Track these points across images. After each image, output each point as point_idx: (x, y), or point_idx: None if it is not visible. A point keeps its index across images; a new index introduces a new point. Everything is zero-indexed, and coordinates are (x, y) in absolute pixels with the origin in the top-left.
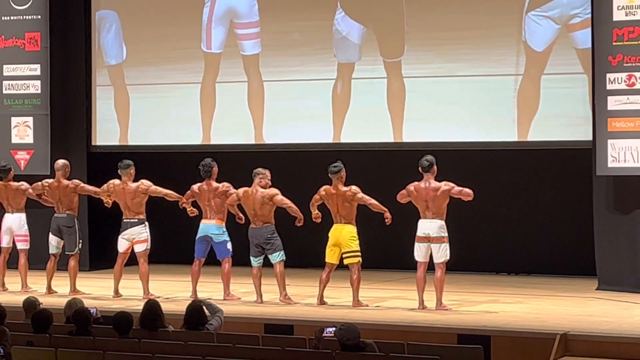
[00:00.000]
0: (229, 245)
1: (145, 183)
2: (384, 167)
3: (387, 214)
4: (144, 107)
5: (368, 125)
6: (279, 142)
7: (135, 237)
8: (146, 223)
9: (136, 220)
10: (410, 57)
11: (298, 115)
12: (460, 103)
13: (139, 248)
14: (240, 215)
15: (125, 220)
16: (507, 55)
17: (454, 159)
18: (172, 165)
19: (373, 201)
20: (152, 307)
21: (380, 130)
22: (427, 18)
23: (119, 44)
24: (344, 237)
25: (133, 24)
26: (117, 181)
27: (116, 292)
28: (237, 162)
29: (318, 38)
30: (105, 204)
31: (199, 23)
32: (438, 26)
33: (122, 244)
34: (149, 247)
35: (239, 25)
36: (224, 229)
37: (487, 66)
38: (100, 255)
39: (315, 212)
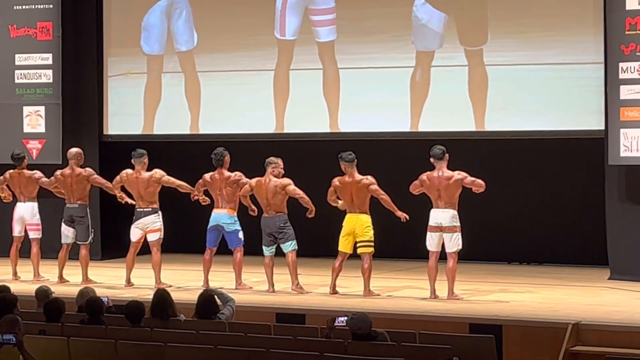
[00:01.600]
0: (241, 235)
1: (158, 172)
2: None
3: (398, 213)
4: (215, 95)
5: (448, 114)
6: (354, 131)
7: (149, 227)
8: (159, 212)
9: (150, 209)
10: (493, 44)
11: (375, 104)
12: (545, 91)
13: (152, 237)
14: (253, 207)
15: (138, 209)
16: (594, 43)
17: (463, 148)
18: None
19: (386, 196)
20: (161, 296)
21: (462, 119)
22: (511, 4)
23: (190, 30)
24: (359, 226)
25: (204, 9)
26: (129, 171)
27: (128, 281)
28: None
29: (396, 25)
30: (119, 199)
31: (272, 9)
32: (522, 13)
33: (135, 233)
34: (162, 236)
35: (314, 11)
36: (236, 218)
37: (573, 54)
38: (112, 244)
39: (339, 203)
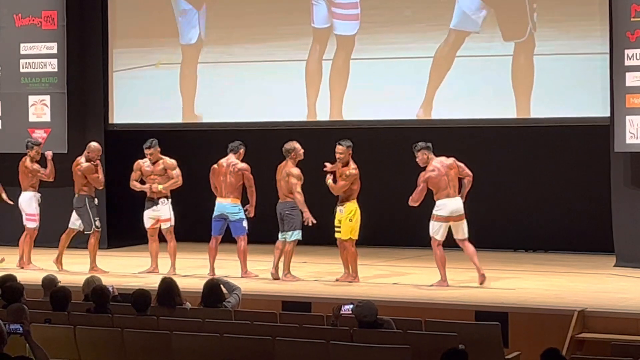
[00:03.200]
0: (245, 223)
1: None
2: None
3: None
4: (247, 83)
5: (492, 103)
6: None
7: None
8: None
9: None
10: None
11: (405, 93)
12: (551, 80)
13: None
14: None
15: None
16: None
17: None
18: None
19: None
20: (168, 285)
21: (467, 107)
22: None
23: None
24: None
25: None
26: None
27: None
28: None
29: (431, 14)
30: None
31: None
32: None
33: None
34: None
35: (335, 4)
36: (240, 207)
37: (581, 45)
38: (118, 233)
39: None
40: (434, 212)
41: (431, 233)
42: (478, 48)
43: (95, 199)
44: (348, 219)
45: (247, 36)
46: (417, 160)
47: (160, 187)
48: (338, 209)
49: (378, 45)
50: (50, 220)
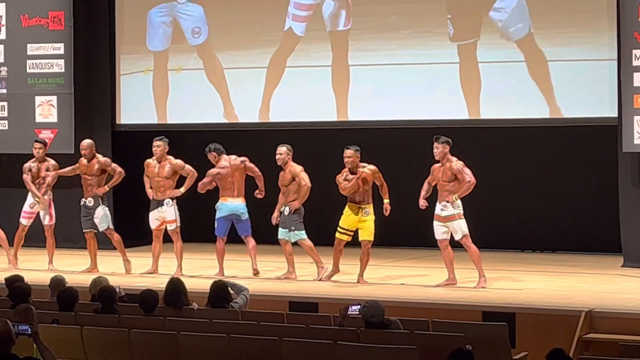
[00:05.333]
0: (249, 221)
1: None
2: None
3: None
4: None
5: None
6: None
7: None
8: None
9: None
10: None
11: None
12: (597, 80)
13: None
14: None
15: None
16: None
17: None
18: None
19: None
20: (175, 285)
21: (469, 108)
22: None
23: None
24: None
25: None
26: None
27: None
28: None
29: (415, 22)
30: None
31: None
32: (546, 8)
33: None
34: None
35: (295, 4)
36: (246, 207)
37: (589, 50)
38: (123, 233)
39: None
40: (457, 211)
41: (464, 231)
42: (486, 54)
43: (82, 199)
44: (373, 220)
45: (243, 40)
46: (436, 151)
47: (182, 189)
48: (364, 211)
49: (362, 51)
50: (59, 221)
